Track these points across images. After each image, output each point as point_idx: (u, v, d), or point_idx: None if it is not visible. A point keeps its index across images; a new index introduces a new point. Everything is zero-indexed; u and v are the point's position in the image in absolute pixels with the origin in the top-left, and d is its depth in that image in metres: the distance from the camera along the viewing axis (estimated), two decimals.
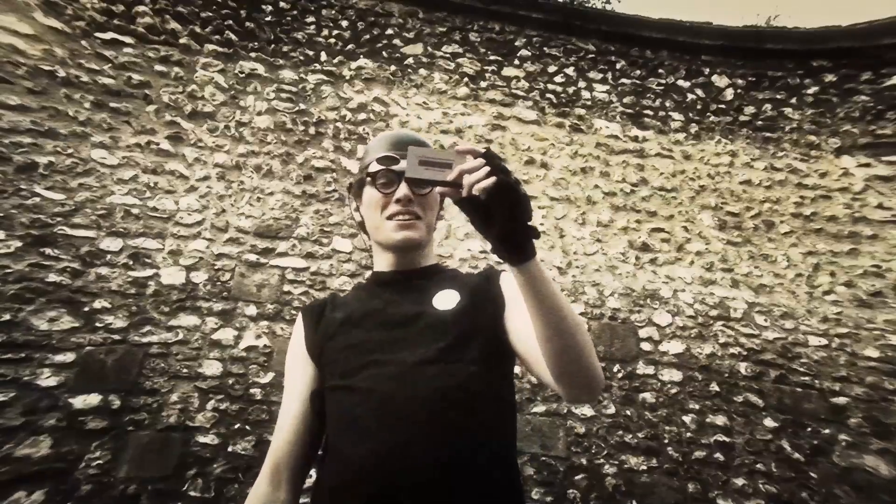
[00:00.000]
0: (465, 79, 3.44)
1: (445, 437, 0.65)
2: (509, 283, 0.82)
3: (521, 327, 0.73)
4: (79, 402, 2.27)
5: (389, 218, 0.81)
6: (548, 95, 3.50)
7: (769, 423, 2.83)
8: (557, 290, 0.63)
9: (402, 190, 0.80)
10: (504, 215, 0.56)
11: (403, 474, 0.63)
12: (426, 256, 0.89)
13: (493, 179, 0.54)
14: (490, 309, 0.79)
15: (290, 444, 0.77)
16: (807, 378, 2.94)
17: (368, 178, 0.83)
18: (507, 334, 0.77)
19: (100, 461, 2.21)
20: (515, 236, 0.58)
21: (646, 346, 2.97)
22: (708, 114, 3.59)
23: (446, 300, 0.79)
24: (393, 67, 3.37)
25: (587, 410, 2.79)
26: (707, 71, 3.67)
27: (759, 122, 3.57)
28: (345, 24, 3.37)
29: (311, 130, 3.12)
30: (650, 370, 2.92)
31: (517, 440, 0.78)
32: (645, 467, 2.69)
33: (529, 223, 0.58)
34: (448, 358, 0.72)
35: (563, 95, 3.52)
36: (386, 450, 0.64)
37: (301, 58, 3.24)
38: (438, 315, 0.77)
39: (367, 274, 2.90)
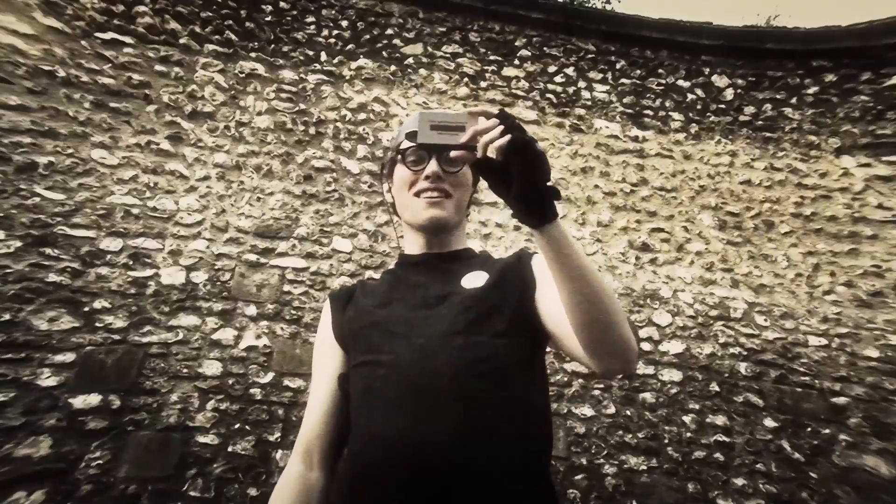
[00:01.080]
0: (465, 79, 3.44)
1: (469, 407, 0.64)
2: (541, 262, 0.80)
3: (552, 305, 0.72)
4: (79, 402, 2.27)
5: (418, 195, 0.80)
6: (548, 95, 3.50)
7: (769, 423, 2.83)
8: (583, 255, 0.61)
9: (432, 166, 0.78)
10: (521, 174, 0.55)
11: (426, 444, 0.61)
12: (456, 239, 0.87)
13: (507, 137, 0.53)
14: (519, 286, 0.78)
15: (320, 425, 0.77)
16: (807, 378, 2.94)
17: (399, 156, 0.82)
18: (538, 313, 0.75)
19: (100, 461, 2.21)
20: (534, 196, 0.57)
21: (646, 346, 2.97)
22: (708, 114, 3.59)
23: (475, 280, 0.78)
24: (393, 67, 3.37)
25: (587, 410, 2.79)
26: (707, 71, 3.67)
27: (759, 122, 3.57)
28: (345, 24, 3.38)
29: (311, 130, 3.12)
30: (650, 370, 2.92)
31: None
32: (645, 467, 2.69)
33: (548, 182, 0.57)
34: (473, 330, 0.70)
35: (563, 95, 3.52)
36: (408, 420, 0.63)
37: (301, 58, 3.24)
38: (466, 293, 0.76)
39: (368, 274, 2.91)
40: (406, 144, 0.82)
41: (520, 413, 0.67)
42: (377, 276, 2.90)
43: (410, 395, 0.65)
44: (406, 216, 0.84)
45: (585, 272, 0.60)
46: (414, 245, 0.87)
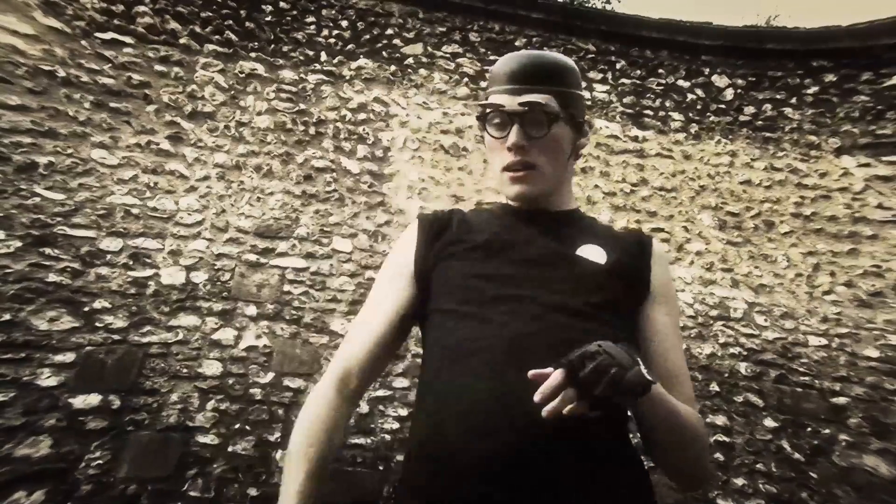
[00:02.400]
0: (465, 79, 3.44)
1: None
2: (661, 265, 0.75)
3: (655, 335, 0.70)
4: (79, 402, 2.27)
5: (504, 169, 0.73)
6: None
7: (769, 423, 2.83)
8: (675, 411, 0.59)
9: (513, 137, 0.69)
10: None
11: (527, 418, 0.54)
12: (562, 200, 0.78)
13: (578, 407, 0.48)
14: (639, 287, 0.71)
15: (368, 355, 0.70)
16: (807, 378, 2.94)
17: (487, 115, 0.73)
18: (638, 328, 0.71)
19: (100, 461, 2.21)
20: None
21: None
22: (708, 114, 3.59)
23: (593, 254, 0.71)
24: (393, 67, 3.37)
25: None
26: (707, 71, 3.67)
27: (759, 122, 3.57)
28: (345, 24, 3.37)
29: (311, 130, 3.12)
30: None
31: None
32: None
33: (645, 388, 0.52)
34: (595, 314, 0.64)
35: None
36: (510, 388, 0.57)
37: (301, 58, 3.24)
38: (586, 266, 0.69)
39: (369, 274, 2.90)
40: (488, 107, 0.73)
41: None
42: (377, 275, 2.90)
43: (513, 360, 0.59)
44: (496, 186, 0.79)
45: (676, 430, 0.59)
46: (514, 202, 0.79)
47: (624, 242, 0.75)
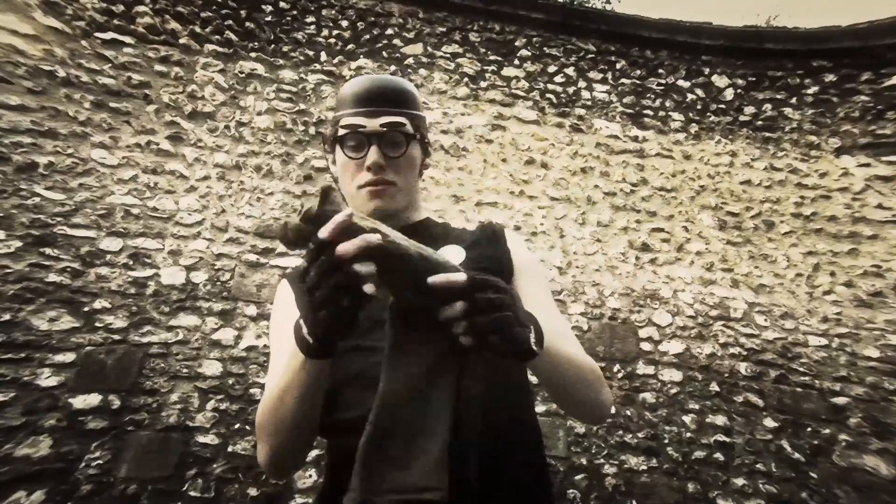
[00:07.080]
0: (465, 79, 3.44)
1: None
2: (517, 245, 0.79)
3: (526, 304, 0.70)
4: (79, 402, 2.27)
5: (361, 187, 0.73)
6: (548, 95, 3.50)
7: (769, 423, 2.83)
8: (562, 359, 0.61)
9: (372, 156, 0.71)
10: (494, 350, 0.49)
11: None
12: (414, 211, 0.82)
13: (470, 340, 0.46)
14: (503, 270, 0.74)
15: None
16: (807, 378, 2.93)
17: (343, 136, 0.75)
18: None
19: (100, 461, 2.21)
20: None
21: (646, 346, 2.97)
22: (708, 114, 3.59)
23: (452, 253, 0.71)
24: (393, 67, 3.37)
25: None
26: (707, 71, 3.67)
27: (759, 122, 3.57)
28: (345, 24, 3.37)
29: (311, 130, 3.12)
30: (650, 370, 2.91)
31: None
32: (645, 467, 2.68)
33: (528, 345, 0.50)
34: None
35: (563, 95, 3.52)
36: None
37: (301, 58, 3.24)
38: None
39: None
40: (342, 130, 0.74)
41: (521, 400, 0.68)
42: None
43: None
44: (352, 203, 0.78)
45: (566, 378, 0.62)
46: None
47: (480, 237, 0.79)
